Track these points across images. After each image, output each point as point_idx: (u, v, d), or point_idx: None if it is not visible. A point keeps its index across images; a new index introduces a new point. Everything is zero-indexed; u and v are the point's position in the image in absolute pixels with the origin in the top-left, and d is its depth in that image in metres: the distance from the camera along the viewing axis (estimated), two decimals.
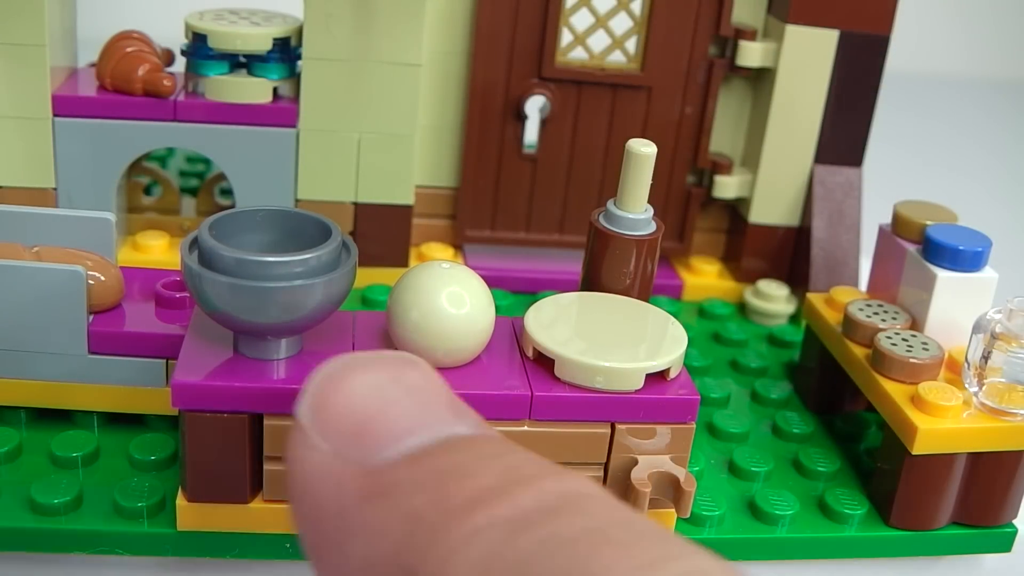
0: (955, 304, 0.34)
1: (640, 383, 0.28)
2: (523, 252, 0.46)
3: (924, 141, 0.82)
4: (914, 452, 0.31)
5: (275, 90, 0.40)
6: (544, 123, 0.44)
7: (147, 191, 0.45)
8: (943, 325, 0.34)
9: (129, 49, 0.40)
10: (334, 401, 0.19)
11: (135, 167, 0.42)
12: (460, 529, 0.16)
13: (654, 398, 0.28)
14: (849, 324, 0.35)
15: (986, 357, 0.31)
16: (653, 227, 0.32)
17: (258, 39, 0.39)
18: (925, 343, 0.33)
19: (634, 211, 0.31)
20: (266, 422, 0.27)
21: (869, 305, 0.36)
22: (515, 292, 0.44)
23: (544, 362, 0.29)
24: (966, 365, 0.32)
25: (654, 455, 0.29)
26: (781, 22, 0.42)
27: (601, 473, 0.29)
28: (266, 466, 0.28)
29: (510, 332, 0.31)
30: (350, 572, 0.17)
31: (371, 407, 0.19)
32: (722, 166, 0.45)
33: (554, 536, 0.16)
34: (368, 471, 0.18)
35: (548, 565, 0.15)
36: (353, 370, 0.20)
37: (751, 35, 0.43)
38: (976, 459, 0.32)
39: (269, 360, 0.28)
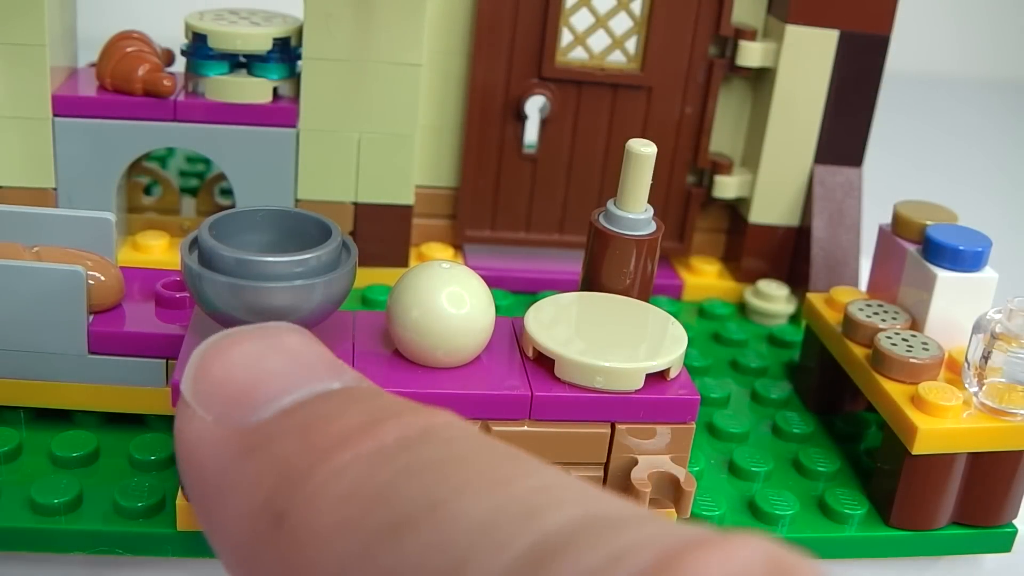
0: (955, 304, 0.34)
1: (640, 383, 0.28)
2: (523, 252, 0.46)
3: (924, 141, 0.82)
4: (914, 452, 0.31)
5: (275, 90, 0.40)
6: (544, 123, 0.44)
7: (147, 191, 0.45)
8: (943, 325, 0.34)
9: (129, 49, 0.40)
10: (212, 371, 0.20)
11: (135, 167, 0.42)
12: (325, 468, 0.17)
13: (654, 398, 0.28)
14: (849, 324, 0.35)
15: (986, 357, 0.31)
16: (653, 227, 0.32)
17: (258, 39, 0.39)
18: (925, 343, 0.33)
19: (634, 211, 0.31)
20: None
21: (869, 305, 0.36)
22: (515, 292, 0.44)
23: (544, 362, 0.29)
24: (966, 365, 0.32)
25: (654, 455, 0.29)
26: (781, 22, 0.42)
27: (601, 473, 0.29)
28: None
29: (510, 332, 0.31)
30: (231, 527, 0.18)
31: (248, 373, 0.20)
32: (722, 166, 0.45)
33: (413, 463, 0.17)
34: (244, 430, 0.19)
35: (406, 490, 0.16)
36: (231, 341, 0.20)
37: (751, 35, 0.43)
38: (976, 459, 0.32)
39: None
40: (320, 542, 0.16)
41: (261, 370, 0.20)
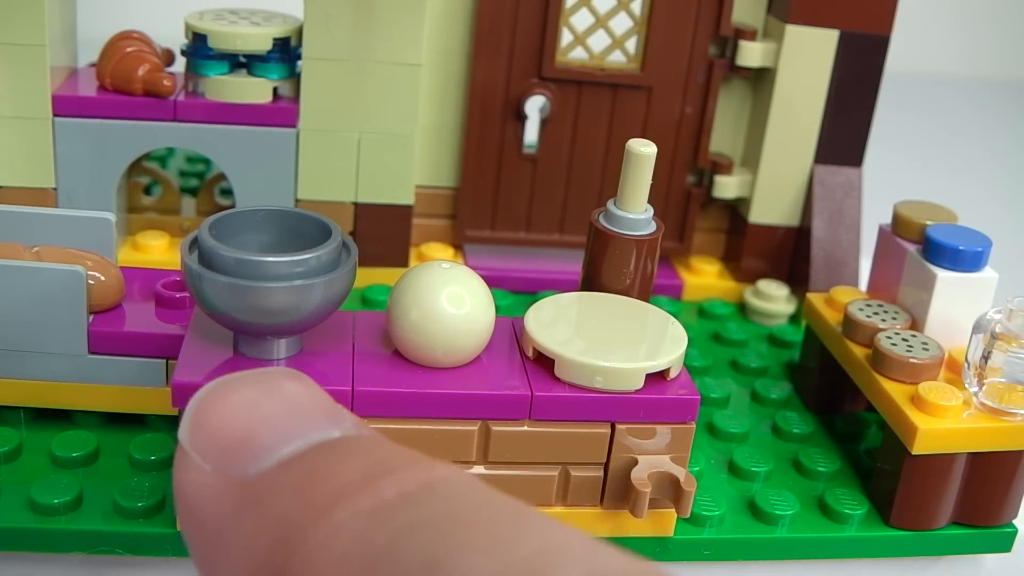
0: (955, 304, 0.34)
1: (640, 383, 0.28)
2: (523, 252, 0.46)
3: (924, 141, 0.82)
4: (914, 452, 0.31)
5: (275, 90, 0.40)
6: (544, 123, 0.44)
7: (147, 191, 0.45)
8: (943, 325, 0.34)
9: (129, 49, 0.40)
10: (209, 421, 0.19)
11: (135, 167, 0.42)
12: (324, 526, 0.17)
13: (654, 398, 0.28)
14: (849, 324, 0.35)
15: (986, 357, 0.31)
16: (653, 227, 0.32)
17: (258, 39, 0.39)
18: (925, 343, 0.33)
19: (634, 211, 0.31)
20: None
21: (869, 305, 0.36)
22: (515, 292, 0.44)
23: (544, 362, 0.29)
24: (966, 365, 0.32)
25: (654, 455, 0.29)
26: (781, 22, 0.42)
27: (601, 473, 0.29)
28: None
29: (510, 332, 0.31)
30: None
31: (245, 422, 0.19)
32: (722, 166, 0.45)
33: (414, 522, 0.16)
34: (242, 483, 0.18)
35: (406, 550, 0.16)
36: (227, 388, 0.20)
37: (751, 35, 0.43)
38: (976, 459, 0.32)
39: (269, 360, 0.28)
40: None
41: (259, 418, 0.19)
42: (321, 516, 0.17)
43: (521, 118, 0.43)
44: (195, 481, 0.19)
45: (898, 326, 0.34)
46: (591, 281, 0.32)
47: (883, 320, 0.35)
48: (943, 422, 0.31)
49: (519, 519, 0.16)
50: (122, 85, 0.39)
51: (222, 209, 0.34)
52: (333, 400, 0.20)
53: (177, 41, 0.41)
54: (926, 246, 0.35)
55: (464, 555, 0.15)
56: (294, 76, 0.41)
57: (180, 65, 0.41)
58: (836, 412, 0.38)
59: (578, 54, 0.43)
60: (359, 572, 0.16)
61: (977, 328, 0.32)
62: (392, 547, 0.16)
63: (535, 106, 0.43)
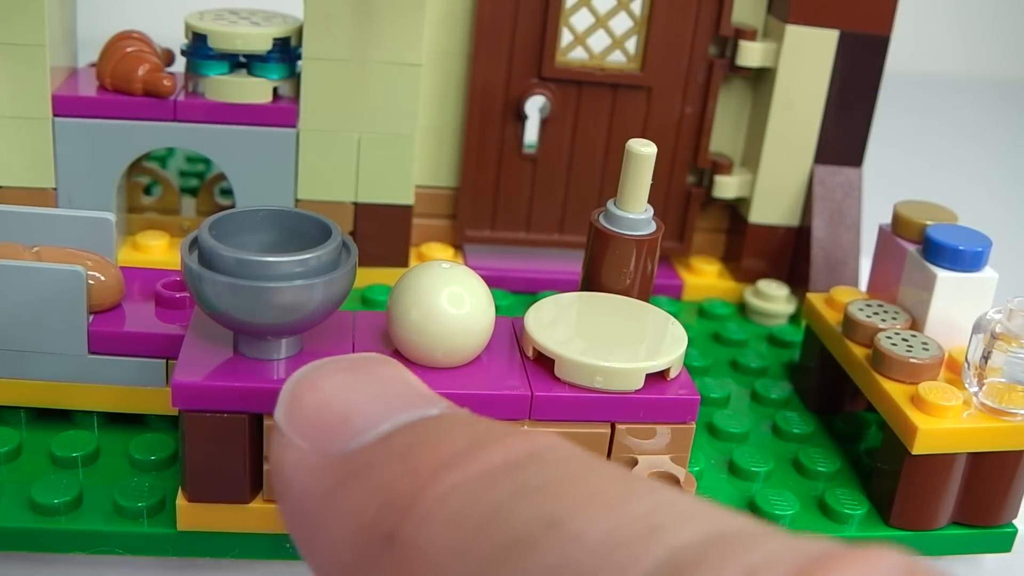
0: (955, 304, 0.34)
1: (640, 383, 0.28)
2: (523, 252, 0.46)
3: (924, 141, 0.82)
4: (914, 452, 0.31)
5: (275, 90, 0.40)
6: (544, 123, 0.44)
7: (147, 191, 0.45)
8: (943, 325, 0.34)
9: (129, 49, 0.40)
10: (307, 401, 0.20)
11: (135, 167, 0.42)
12: (433, 490, 0.17)
13: (654, 398, 0.28)
14: (849, 324, 0.35)
15: (986, 357, 0.31)
16: (653, 227, 0.32)
17: (258, 39, 0.39)
18: (925, 343, 0.33)
19: (634, 211, 0.31)
20: (266, 422, 0.27)
21: (869, 305, 0.36)
22: (515, 292, 0.44)
23: (544, 362, 0.29)
24: (966, 365, 0.32)
25: (654, 455, 0.29)
26: (781, 22, 0.42)
27: None
28: (266, 466, 0.28)
29: (510, 332, 0.31)
30: (335, 553, 0.18)
31: (342, 403, 0.20)
32: (722, 166, 0.45)
33: (523, 486, 0.17)
34: (343, 458, 0.19)
35: (518, 511, 0.16)
36: (323, 371, 0.21)
37: (751, 35, 0.43)
38: (976, 459, 0.32)
39: (269, 360, 0.28)
40: (432, 564, 0.16)
41: (356, 399, 0.20)
42: (429, 482, 0.17)
43: (521, 118, 0.43)
44: (293, 459, 0.19)
45: (898, 326, 0.34)
46: (591, 281, 0.32)
47: (883, 320, 0.35)
48: (943, 422, 0.31)
49: (629, 480, 0.17)
50: (122, 85, 0.39)
51: (222, 209, 0.34)
52: (423, 384, 0.21)
53: (177, 41, 0.41)
54: (926, 246, 0.35)
55: (582, 513, 0.16)
56: (294, 76, 0.41)
57: (180, 65, 0.41)
58: (836, 412, 0.38)
59: (578, 54, 0.43)
60: (473, 532, 0.16)
61: (977, 328, 0.32)
62: (505, 508, 0.16)
63: (535, 106, 0.43)
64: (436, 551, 0.16)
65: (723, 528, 0.15)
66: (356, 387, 0.20)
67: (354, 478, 0.18)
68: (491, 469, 0.17)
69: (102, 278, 0.31)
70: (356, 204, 0.42)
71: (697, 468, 0.33)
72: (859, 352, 0.34)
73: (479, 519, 0.16)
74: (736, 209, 0.47)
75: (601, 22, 0.43)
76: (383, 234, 0.42)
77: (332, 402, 0.20)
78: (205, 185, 0.45)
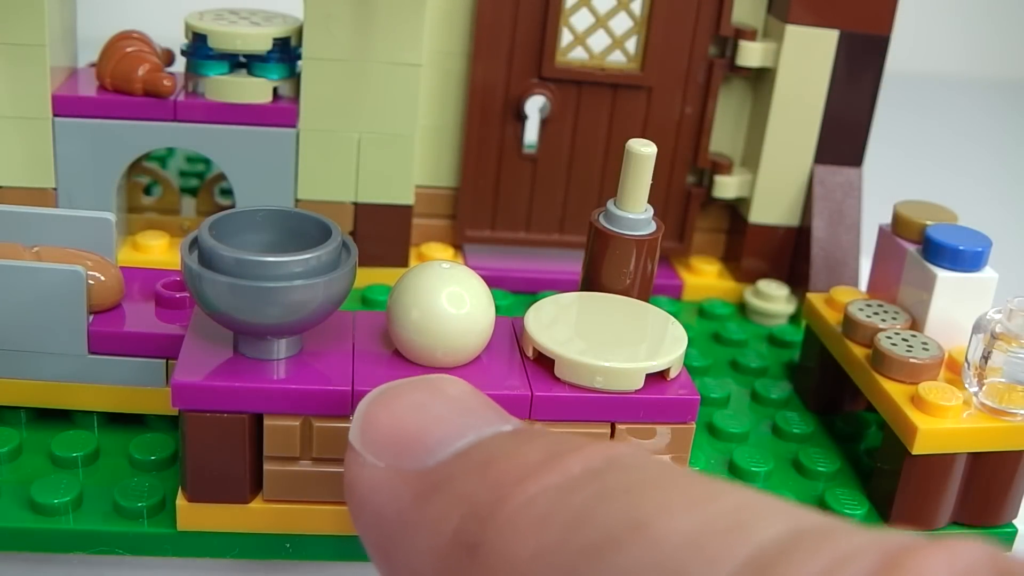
0: (955, 304, 0.34)
1: (640, 383, 0.28)
2: (523, 252, 0.46)
3: (924, 141, 0.82)
4: (914, 452, 0.31)
5: (275, 90, 0.40)
6: (544, 123, 0.44)
7: (147, 191, 0.45)
8: (943, 325, 0.34)
9: (129, 49, 0.40)
10: (381, 421, 0.21)
11: (135, 167, 0.42)
12: (514, 500, 0.17)
13: (654, 398, 0.28)
14: (849, 324, 0.35)
15: (986, 357, 0.31)
16: (653, 227, 0.32)
17: (258, 39, 0.39)
18: (925, 343, 0.33)
19: (634, 211, 0.31)
20: (266, 422, 0.27)
21: (869, 305, 0.36)
22: (515, 292, 0.44)
23: (544, 362, 0.29)
24: (966, 365, 0.32)
25: (654, 455, 0.29)
26: (781, 22, 0.42)
27: None
28: (266, 466, 0.28)
29: (510, 332, 0.31)
30: (417, 566, 0.19)
31: (416, 421, 0.21)
32: (722, 166, 0.45)
33: (604, 491, 0.17)
34: (420, 474, 0.19)
35: (602, 515, 0.16)
36: (394, 392, 0.22)
37: (751, 35, 0.43)
38: (976, 459, 0.32)
39: (269, 360, 0.28)
40: (518, 571, 0.17)
41: (429, 417, 0.21)
42: (510, 492, 0.18)
43: (521, 118, 0.43)
44: (369, 477, 0.20)
45: (898, 326, 0.34)
46: (591, 281, 0.32)
47: (883, 320, 0.35)
48: (943, 422, 0.31)
49: (708, 482, 0.17)
50: (122, 85, 0.39)
51: (222, 209, 0.34)
52: (495, 403, 0.22)
53: (177, 41, 0.41)
54: (926, 246, 0.35)
55: (666, 514, 0.16)
56: (294, 76, 0.41)
57: (180, 65, 0.41)
58: (836, 412, 0.38)
59: (578, 54, 0.43)
60: (558, 536, 0.16)
61: (977, 328, 0.32)
62: (589, 512, 0.17)
63: (535, 106, 0.43)
64: (521, 557, 0.17)
65: (805, 524, 0.15)
66: (428, 406, 0.21)
67: (433, 492, 0.19)
68: (571, 477, 0.18)
69: (102, 278, 0.31)
70: (356, 204, 0.42)
71: (697, 468, 0.33)
72: (859, 352, 0.34)
73: (563, 524, 0.17)
74: (736, 209, 0.47)
75: (601, 22, 0.43)
76: (383, 234, 0.42)
77: (406, 421, 0.21)
78: (205, 185, 0.45)
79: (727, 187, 0.45)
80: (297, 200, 0.41)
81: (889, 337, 0.33)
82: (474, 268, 0.29)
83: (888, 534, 0.15)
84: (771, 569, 0.14)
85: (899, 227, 0.36)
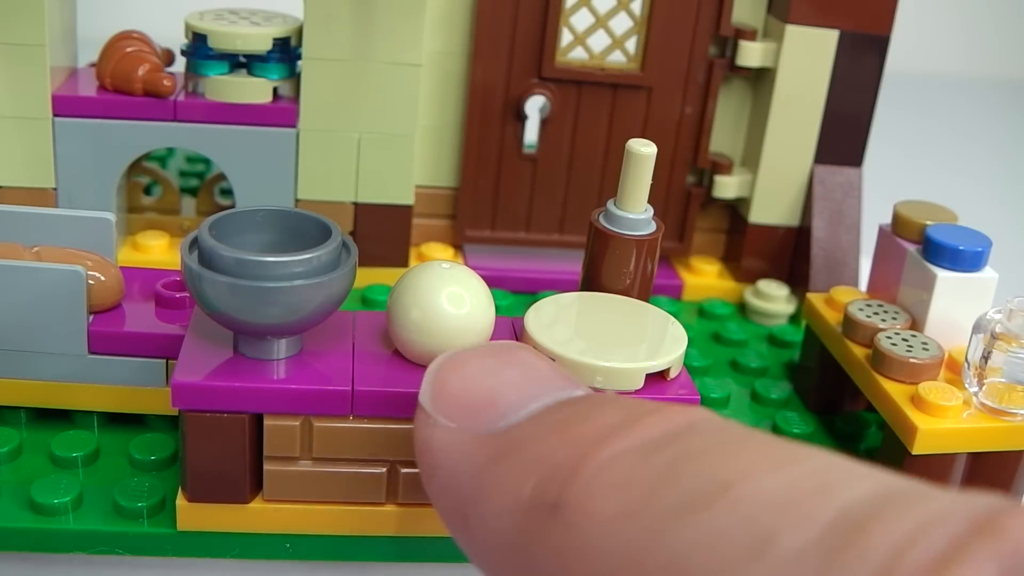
0: (955, 304, 0.34)
1: (640, 383, 0.28)
2: (523, 252, 0.46)
3: (924, 141, 0.82)
4: (914, 452, 0.31)
5: (275, 90, 0.40)
6: (544, 123, 0.44)
7: (147, 191, 0.45)
8: (943, 325, 0.34)
9: (129, 49, 0.40)
10: (452, 384, 0.21)
11: (135, 167, 0.42)
12: (595, 459, 0.17)
13: (654, 398, 0.28)
14: (849, 324, 0.35)
15: (986, 357, 0.31)
16: (653, 227, 0.32)
17: (258, 39, 0.39)
18: (925, 343, 0.33)
19: (634, 211, 0.31)
20: (266, 422, 0.27)
21: (869, 305, 0.36)
22: (515, 292, 0.44)
23: None
24: (966, 365, 0.32)
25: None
26: (781, 22, 0.42)
27: None
28: (266, 466, 0.28)
29: (510, 332, 0.31)
30: (494, 526, 0.19)
31: (488, 385, 0.21)
32: (722, 166, 0.45)
33: (686, 452, 0.17)
34: (494, 436, 0.19)
35: (688, 475, 0.16)
36: (464, 356, 0.22)
37: (751, 35, 0.43)
38: (976, 459, 0.32)
39: (269, 360, 0.28)
40: (602, 529, 0.17)
41: (501, 381, 0.21)
42: (590, 452, 0.18)
43: (521, 118, 0.43)
44: (442, 438, 0.20)
45: (898, 326, 0.34)
46: (591, 281, 0.32)
47: (883, 320, 0.35)
48: (943, 422, 0.31)
49: (790, 446, 0.17)
50: (122, 85, 0.39)
51: (222, 209, 0.34)
52: (565, 370, 0.22)
53: (177, 41, 0.41)
54: (926, 246, 0.35)
55: (752, 475, 0.16)
56: (294, 76, 0.41)
57: (180, 65, 0.41)
58: (836, 412, 0.38)
59: (578, 54, 0.43)
60: (643, 496, 0.16)
61: (977, 328, 0.32)
62: (674, 472, 0.17)
63: (535, 106, 0.43)
64: (604, 515, 0.17)
65: (893, 486, 0.16)
66: (499, 371, 0.21)
67: (510, 453, 0.19)
68: (651, 438, 0.18)
69: (102, 278, 0.31)
70: (356, 204, 0.42)
71: None
72: (859, 352, 0.34)
73: (648, 484, 0.17)
74: (736, 209, 0.47)
75: (601, 22, 0.43)
76: (383, 234, 0.42)
77: (479, 383, 0.21)
78: (205, 185, 0.45)
79: (727, 187, 0.45)
80: (297, 200, 0.41)
81: (889, 337, 0.33)
82: (474, 268, 0.29)
83: (979, 497, 0.15)
84: (860, 529, 0.14)
85: (899, 227, 0.36)
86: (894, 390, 0.32)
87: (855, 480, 0.16)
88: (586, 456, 0.18)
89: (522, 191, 0.44)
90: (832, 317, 0.36)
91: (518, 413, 0.20)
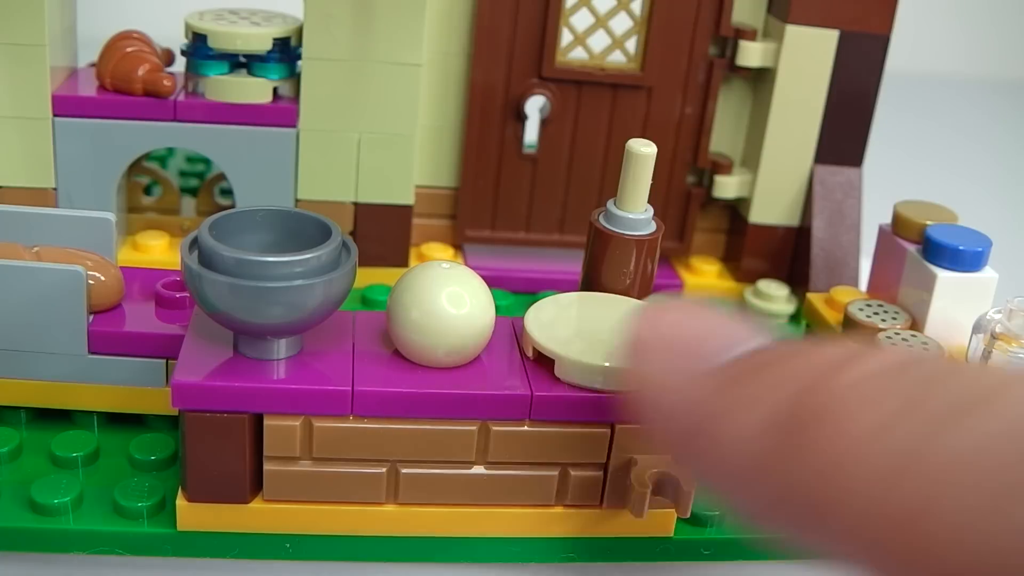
0: (955, 304, 0.34)
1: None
2: (523, 252, 0.46)
3: (924, 141, 0.82)
4: None
5: (275, 90, 0.40)
6: (544, 123, 0.44)
7: (147, 191, 0.45)
8: (943, 325, 0.34)
9: (129, 49, 0.40)
10: (663, 327, 0.22)
11: (135, 167, 0.42)
12: (839, 380, 0.18)
13: None
14: (849, 324, 0.35)
15: (986, 357, 0.31)
16: (653, 227, 0.32)
17: (258, 39, 0.39)
18: (925, 343, 0.33)
19: (634, 211, 0.31)
20: (266, 422, 0.27)
21: (869, 305, 0.36)
22: (515, 292, 0.44)
23: (544, 362, 0.29)
24: None
25: (654, 455, 0.29)
26: (781, 22, 0.42)
27: (601, 473, 0.29)
28: (266, 466, 0.28)
29: (510, 332, 0.31)
30: (739, 447, 0.19)
31: (695, 329, 0.21)
32: (722, 166, 0.45)
33: (929, 373, 0.17)
34: (716, 369, 0.20)
35: (940, 389, 0.17)
36: (669, 305, 0.22)
37: (751, 35, 0.43)
38: None
39: (269, 360, 0.28)
40: (863, 440, 0.17)
41: (707, 327, 0.21)
42: (831, 374, 0.18)
43: (521, 118, 0.43)
44: (661, 371, 0.21)
45: (898, 326, 0.34)
46: (591, 281, 0.32)
47: (883, 320, 0.35)
48: None
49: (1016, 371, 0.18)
50: (122, 85, 0.39)
51: (222, 209, 0.34)
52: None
53: (177, 41, 0.41)
54: (926, 246, 0.35)
55: (1007, 388, 0.16)
56: (294, 76, 0.41)
57: (180, 65, 0.41)
58: None
59: (578, 54, 0.43)
60: (900, 407, 0.17)
61: (977, 328, 0.32)
62: (926, 388, 0.17)
63: (535, 106, 0.43)
64: (863, 427, 0.17)
65: None
66: (702, 319, 0.22)
67: (742, 379, 0.19)
68: (887, 364, 0.18)
69: (102, 278, 0.31)
70: (356, 204, 0.42)
71: None
72: None
73: (904, 397, 0.17)
74: (736, 209, 0.47)
75: (601, 22, 0.43)
76: (383, 234, 0.42)
77: (686, 328, 0.21)
78: (205, 185, 0.45)
79: (727, 187, 0.45)
80: (297, 200, 0.41)
81: (889, 337, 0.33)
82: (474, 268, 0.29)
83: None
84: None
85: (899, 227, 0.36)
86: None
87: None
88: (830, 377, 0.18)
89: (522, 191, 0.44)
90: (832, 317, 0.36)
91: (732, 353, 0.20)
